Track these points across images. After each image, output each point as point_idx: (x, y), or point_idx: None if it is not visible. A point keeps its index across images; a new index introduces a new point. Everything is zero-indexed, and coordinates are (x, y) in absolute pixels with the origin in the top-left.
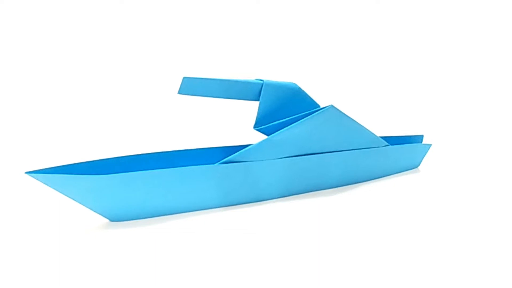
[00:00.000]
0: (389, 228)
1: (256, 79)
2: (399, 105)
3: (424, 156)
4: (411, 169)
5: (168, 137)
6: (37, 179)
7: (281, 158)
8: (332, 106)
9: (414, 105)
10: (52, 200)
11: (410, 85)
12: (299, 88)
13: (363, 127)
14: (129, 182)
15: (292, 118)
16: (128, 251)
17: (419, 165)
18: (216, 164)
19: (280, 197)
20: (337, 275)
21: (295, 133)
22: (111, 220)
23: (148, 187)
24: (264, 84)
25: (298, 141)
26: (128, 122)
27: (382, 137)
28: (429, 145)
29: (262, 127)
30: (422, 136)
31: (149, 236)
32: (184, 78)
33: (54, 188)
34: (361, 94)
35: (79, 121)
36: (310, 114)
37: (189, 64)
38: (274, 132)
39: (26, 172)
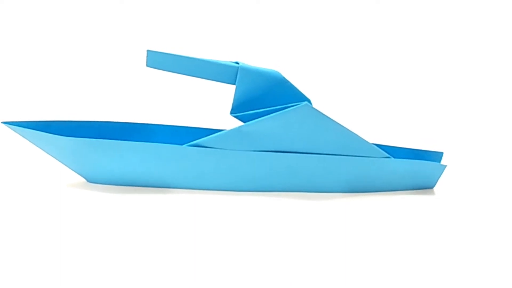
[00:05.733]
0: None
1: (233, 62)
2: (424, 116)
3: (439, 177)
4: (423, 189)
5: (150, 110)
6: (14, 131)
7: (250, 151)
8: (306, 104)
9: (443, 118)
10: (29, 153)
11: (438, 97)
12: (283, 78)
13: (354, 133)
14: (101, 148)
15: (270, 110)
16: (97, 214)
17: (434, 186)
18: (184, 145)
19: (250, 191)
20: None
21: (266, 127)
22: (88, 181)
23: (117, 157)
24: (239, 67)
25: (270, 136)
26: (123, 89)
27: (391, 147)
28: (444, 166)
29: (239, 114)
30: (441, 154)
31: (119, 202)
32: (148, 51)
33: (32, 142)
34: (390, 103)
35: (71, 83)
36: (284, 108)
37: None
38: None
39: (3, 122)
